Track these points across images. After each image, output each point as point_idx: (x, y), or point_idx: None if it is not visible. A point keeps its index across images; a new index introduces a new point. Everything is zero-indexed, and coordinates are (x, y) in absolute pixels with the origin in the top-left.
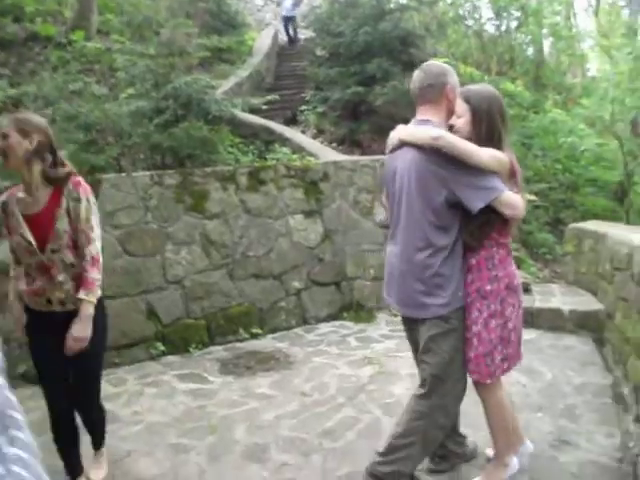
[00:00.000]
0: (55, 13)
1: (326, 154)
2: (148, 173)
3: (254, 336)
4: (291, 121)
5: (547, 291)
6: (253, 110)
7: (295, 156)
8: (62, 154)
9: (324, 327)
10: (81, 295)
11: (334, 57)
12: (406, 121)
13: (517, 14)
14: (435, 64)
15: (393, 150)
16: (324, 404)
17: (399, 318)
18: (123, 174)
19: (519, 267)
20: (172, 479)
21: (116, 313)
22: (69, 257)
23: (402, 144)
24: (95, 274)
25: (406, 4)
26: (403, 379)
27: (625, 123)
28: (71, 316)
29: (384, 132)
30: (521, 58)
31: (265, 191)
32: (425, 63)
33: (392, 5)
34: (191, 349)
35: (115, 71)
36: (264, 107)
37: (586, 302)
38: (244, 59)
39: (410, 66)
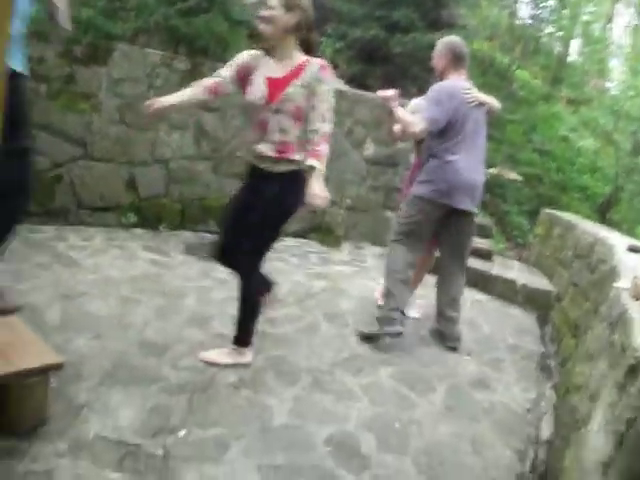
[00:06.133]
0: None
1: (333, 83)
2: (160, 52)
3: None
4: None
5: (507, 264)
6: None
7: None
8: (315, 35)
9: (290, 241)
10: (313, 163)
11: None
12: (416, 77)
13: (553, 3)
14: None
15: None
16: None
17: (364, 251)
18: (136, 47)
19: (487, 236)
20: (117, 322)
21: (99, 175)
22: (287, 123)
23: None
24: (324, 147)
25: None
26: (352, 298)
27: (626, 135)
28: (265, 177)
29: (395, 81)
30: (544, 51)
31: None
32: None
33: None
34: (161, 227)
35: None
36: None
37: (540, 282)
38: None
39: (436, 25)
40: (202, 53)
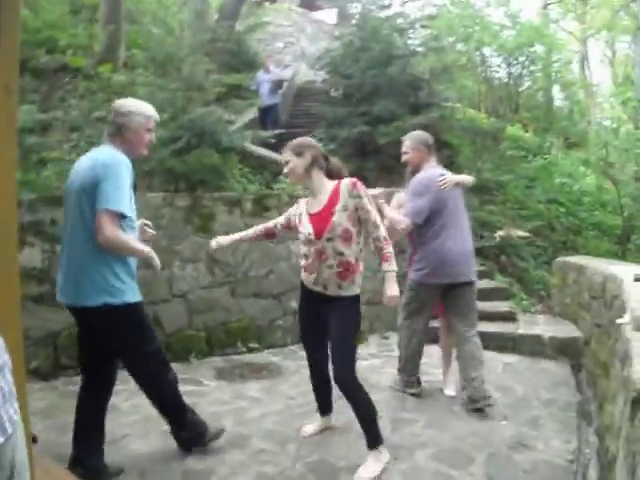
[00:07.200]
0: (85, 47)
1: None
2: (161, 194)
3: (251, 350)
4: None
5: (532, 320)
6: (266, 144)
7: (299, 186)
8: (335, 159)
9: None
10: (387, 267)
11: (346, 98)
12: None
13: (523, 60)
14: None
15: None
16: (305, 406)
17: (389, 340)
18: (137, 194)
19: (508, 298)
20: (160, 457)
21: None
22: (339, 247)
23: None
24: (390, 249)
25: (414, 50)
26: (382, 390)
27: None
28: (329, 300)
29: (389, 170)
30: (529, 104)
31: (269, 217)
32: None
33: (400, 51)
34: (191, 358)
35: None
36: (272, 141)
37: (566, 330)
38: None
39: (416, 108)
40: (201, 185)
